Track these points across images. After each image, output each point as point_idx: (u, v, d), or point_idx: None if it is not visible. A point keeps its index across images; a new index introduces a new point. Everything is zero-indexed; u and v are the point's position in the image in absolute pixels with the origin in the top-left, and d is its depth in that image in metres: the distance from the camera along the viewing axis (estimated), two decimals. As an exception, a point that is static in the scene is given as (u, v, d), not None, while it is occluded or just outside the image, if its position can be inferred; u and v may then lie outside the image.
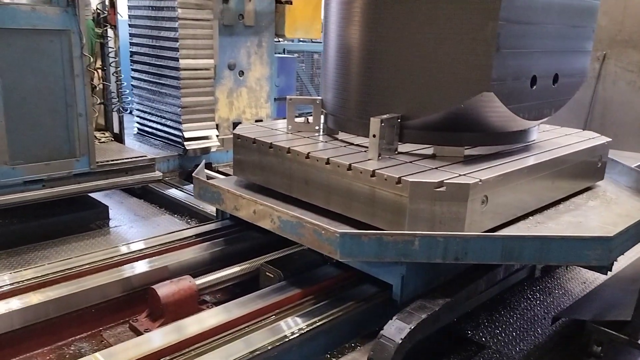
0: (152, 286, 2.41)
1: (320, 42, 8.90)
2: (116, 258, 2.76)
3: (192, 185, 4.87)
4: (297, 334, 2.22)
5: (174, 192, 4.81)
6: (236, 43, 5.65)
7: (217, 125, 5.55)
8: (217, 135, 5.45)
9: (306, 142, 2.94)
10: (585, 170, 3.08)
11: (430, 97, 2.55)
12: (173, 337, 2.10)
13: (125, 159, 4.24)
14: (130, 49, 5.71)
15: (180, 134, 5.18)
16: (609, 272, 2.56)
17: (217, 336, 2.19)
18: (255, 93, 5.94)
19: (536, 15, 2.53)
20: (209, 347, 2.10)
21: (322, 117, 3.17)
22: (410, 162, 2.59)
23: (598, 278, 3.37)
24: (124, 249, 2.87)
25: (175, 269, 2.73)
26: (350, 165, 2.50)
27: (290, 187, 2.80)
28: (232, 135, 5.55)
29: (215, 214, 3.66)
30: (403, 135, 2.69)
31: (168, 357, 2.03)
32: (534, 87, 2.64)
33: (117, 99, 4.72)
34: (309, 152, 2.68)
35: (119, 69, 4.66)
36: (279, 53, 6.86)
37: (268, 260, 2.72)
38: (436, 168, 2.50)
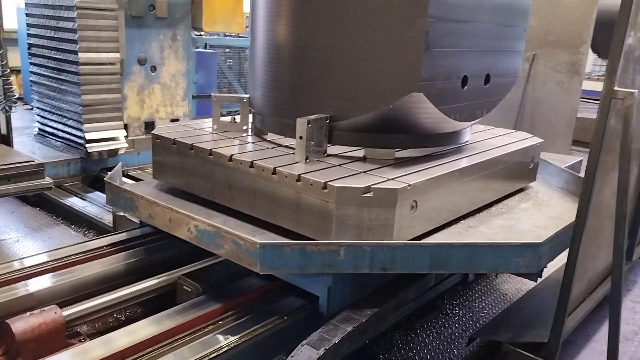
0: (7, 320, 2.05)
1: (247, 37, 8.63)
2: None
3: (95, 192, 4.54)
4: (216, 354, 2.04)
5: (72, 200, 4.39)
6: (147, 36, 5.19)
7: (126, 125, 5.11)
8: (126, 136, 5.01)
9: (231, 143, 2.76)
10: (518, 172, 3.05)
11: (359, 98, 2.42)
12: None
13: (7, 164, 3.70)
14: (28, 41, 5.19)
15: (82, 134, 4.72)
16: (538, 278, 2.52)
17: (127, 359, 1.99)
18: (170, 90, 5.50)
19: (466, 13, 2.45)
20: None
21: (251, 116, 3.00)
22: (339, 165, 2.46)
23: (520, 289, 3.33)
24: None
25: (45, 296, 2.35)
26: (275, 169, 2.34)
27: (213, 191, 2.61)
28: (143, 136, 5.13)
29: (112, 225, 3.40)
30: (332, 136, 2.56)
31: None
32: (465, 87, 2.56)
33: (2, 96, 4.22)
34: (231, 155, 2.50)
35: (4, 62, 4.16)
36: (199, 48, 6.47)
37: (186, 273, 2.51)
38: (365, 172, 2.38)
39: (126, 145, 4.96)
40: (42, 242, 3.82)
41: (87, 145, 4.68)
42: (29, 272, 2.47)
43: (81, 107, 4.62)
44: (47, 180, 3.88)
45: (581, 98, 6.38)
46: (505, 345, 2.38)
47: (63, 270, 2.51)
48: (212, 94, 2.98)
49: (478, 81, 2.66)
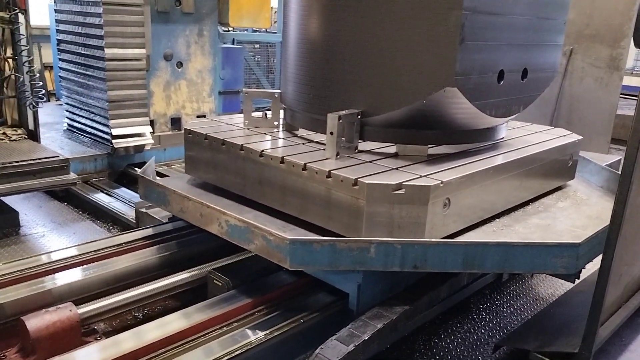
0: (22, 317, 2.05)
1: (275, 33, 8.55)
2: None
3: (121, 188, 4.58)
4: (246, 349, 2.04)
5: (98, 196, 4.40)
6: (173, 31, 5.16)
7: (152, 121, 5.09)
8: (152, 132, 4.99)
9: (262, 138, 2.76)
10: (556, 170, 2.96)
11: (392, 93, 2.39)
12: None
13: (33, 159, 3.72)
14: (57, 37, 5.22)
15: (108, 130, 4.73)
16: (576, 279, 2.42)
17: (155, 353, 1.99)
18: (197, 86, 5.46)
19: (503, 5, 2.38)
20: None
21: (282, 112, 2.99)
22: (370, 161, 2.42)
23: (553, 293, 3.18)
24: (9, 267, 2.43)
25: (63, 292, 2.34)
26: (305, 164, 2.33)
27: (244, 187, 2.62)
28: (169, 132, 4.93)
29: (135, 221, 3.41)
30: (364, 132, 2.53)
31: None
32: (502, 82, 2.49)
33: (29, 92, 4.21)
34: (262, 150, 2.50)
35: (31, 58, 4.17)
36: (227, 43, 6.38)
37: (216, 267, 2.52)
38: (397, 168, 2.34)
39: (152, 141, 4.96)
40: (66, 237, 3.85)
41: (113, 141, 4.71)
42: (60, 266, 2.51)
43: (107, 103, 4.64)
44: (72, 175, 3.89)
45: (623, 94, 6.12)
46: (533, 354, 2.26)
47: (94, 264, 2.55)
48: (243, 89, 2.99)
49: (515, 76, 2.59)
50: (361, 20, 2.37)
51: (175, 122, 5.34)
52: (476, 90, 2.37)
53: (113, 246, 2.75)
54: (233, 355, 2.00)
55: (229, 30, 6.56)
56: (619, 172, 3.03)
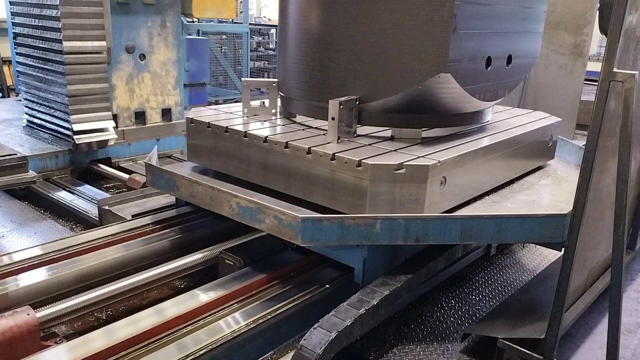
0: None
1: (241, 23, 8.48)
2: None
3: (84, 185, 4.45)
4: (262, 321, 2.19)
5: (60, 194, 4.23)
6: (134, 23, 4.96)
7: (115, 115, 4.94)
8: (115, 127, 4.83)
9: (263, 125, 2.88)
10: (538, 150, 3.16)
11: (388, 79, 2.53)
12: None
13: None
14: (13, 30, 4.98)
15: (70, 126, 4.53)
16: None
17: (193, 319, 2.15)
18: (161, 79, 5.28)
19: (491, -5, 2.55)
20: (164, 342, 2.04)
21: (279, 99, 3.11)
22: (369, 144, 2.58)
23: (521, 279, 3.26)
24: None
25: (22, 295, 2.28)
26: (309, 148, 2.46)
27: (248, 172, 2.74)
28: (134, 127, 4.82)
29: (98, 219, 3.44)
30: (361, 117, 2.67)
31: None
32: (489, 68, 2.67)
33: None
34: (266, 136, 2.62)
35: None
36: (192, 35, 6.13)
37: (227, 248, 2.65)
38: (395, 150, 2.50)
39: (115, 136, 4.82)
40: (27, 238, 3.73)
41: (75, 136, 4.54)
42: (20, 267, 2.50)
43: (67, 98, 4.48)
44: (31, 173, 3.77)
45: (588, 80, 6.27)
46: (501, 341, 2.27)
47: (56, 264, 2.56)
48: (242, 79, 3.09)
49: (501, 62, 2.76)
50: (359, 10, 2.50)
51: (140, 116, 5.20)
52: (466, 75, 2.54)
53: (76, 245, 2.71)
54: (251, 327, 2.14)
55: (193, 21, 6.42)
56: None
